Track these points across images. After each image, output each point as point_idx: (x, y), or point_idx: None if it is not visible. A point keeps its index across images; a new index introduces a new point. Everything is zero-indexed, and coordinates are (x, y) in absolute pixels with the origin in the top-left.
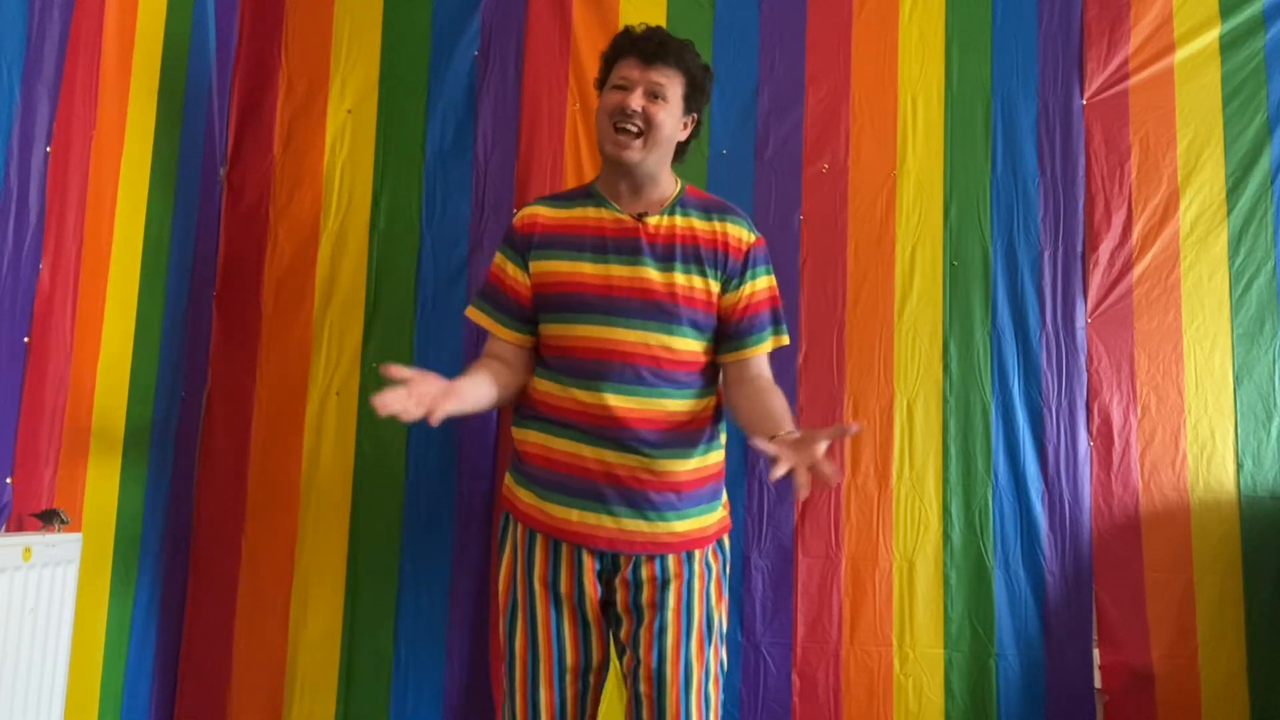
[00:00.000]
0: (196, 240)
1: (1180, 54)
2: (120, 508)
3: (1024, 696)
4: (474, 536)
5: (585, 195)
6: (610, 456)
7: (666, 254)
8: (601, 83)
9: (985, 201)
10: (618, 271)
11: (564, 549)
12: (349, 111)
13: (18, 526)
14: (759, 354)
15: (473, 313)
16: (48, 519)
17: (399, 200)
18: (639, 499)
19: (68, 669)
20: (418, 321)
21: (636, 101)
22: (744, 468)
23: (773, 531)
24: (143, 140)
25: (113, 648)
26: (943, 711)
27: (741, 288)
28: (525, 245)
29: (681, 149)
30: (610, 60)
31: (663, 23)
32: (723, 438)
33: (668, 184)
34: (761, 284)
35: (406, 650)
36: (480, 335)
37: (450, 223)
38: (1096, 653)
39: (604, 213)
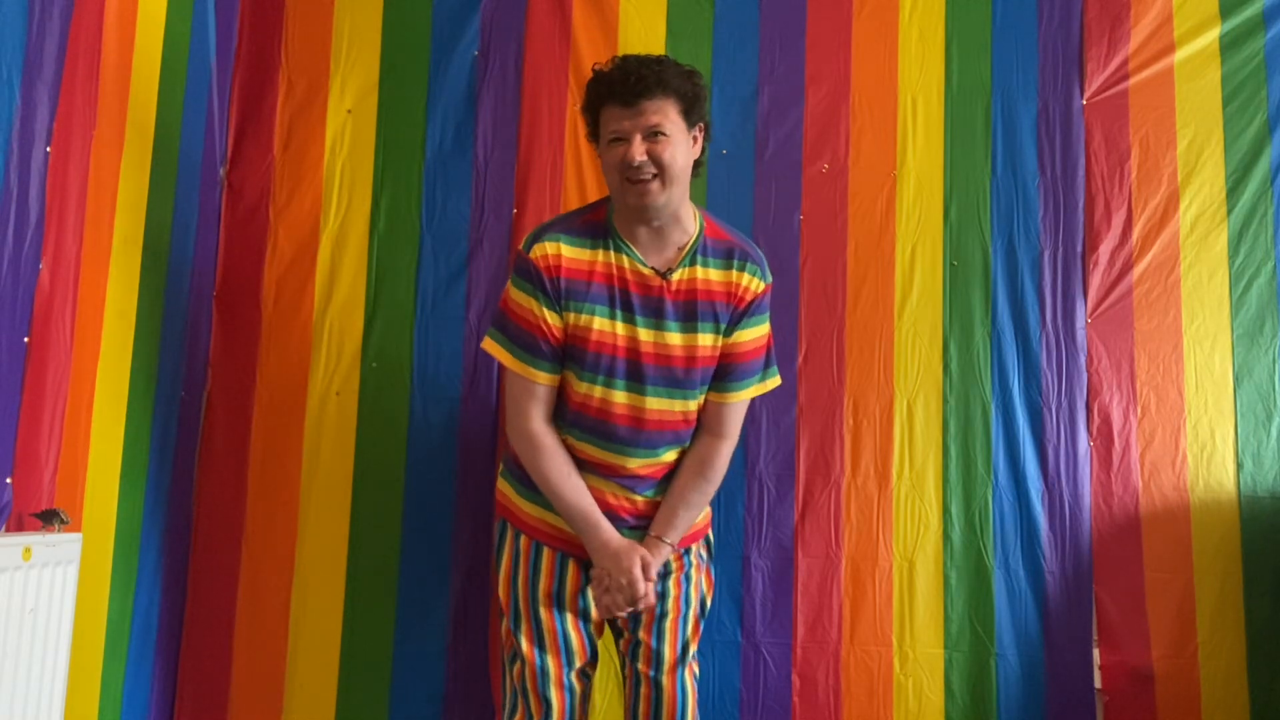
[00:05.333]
0: (196, 240)
1: (1180, 54)
2: (120, 508)
3: (1024, 696)
4: (473, 536)
5: (603, 235)
6: (614, 490)
7: (688, 314)
8: (593, 134)
9: (985, 201)
10: (645, 336)
11: (570, 564)
12: (349, 111)
13: (18, 526)
14: (732, 400)
15: (517, 365)
16: (48, 519)
17: (399, 200)
18: (641, 522)
19: (68, 669)
20: (418, 321)
21: (639, 152)
22: (744, 468)
23: (773, 531)
24: (143, 140)
25: (113, 648)
26: (943, 711)
27: (735, 334)
28: (555, 291)
29: (698, 164)
30: (592, 110)
31: (662, 22)
32: None
33: (688, 221)
34: (751, 334)
35: (406, 650)
36: (481, 341)
37: (450, 223)
38: (1096, 653)
39: (624, 261)
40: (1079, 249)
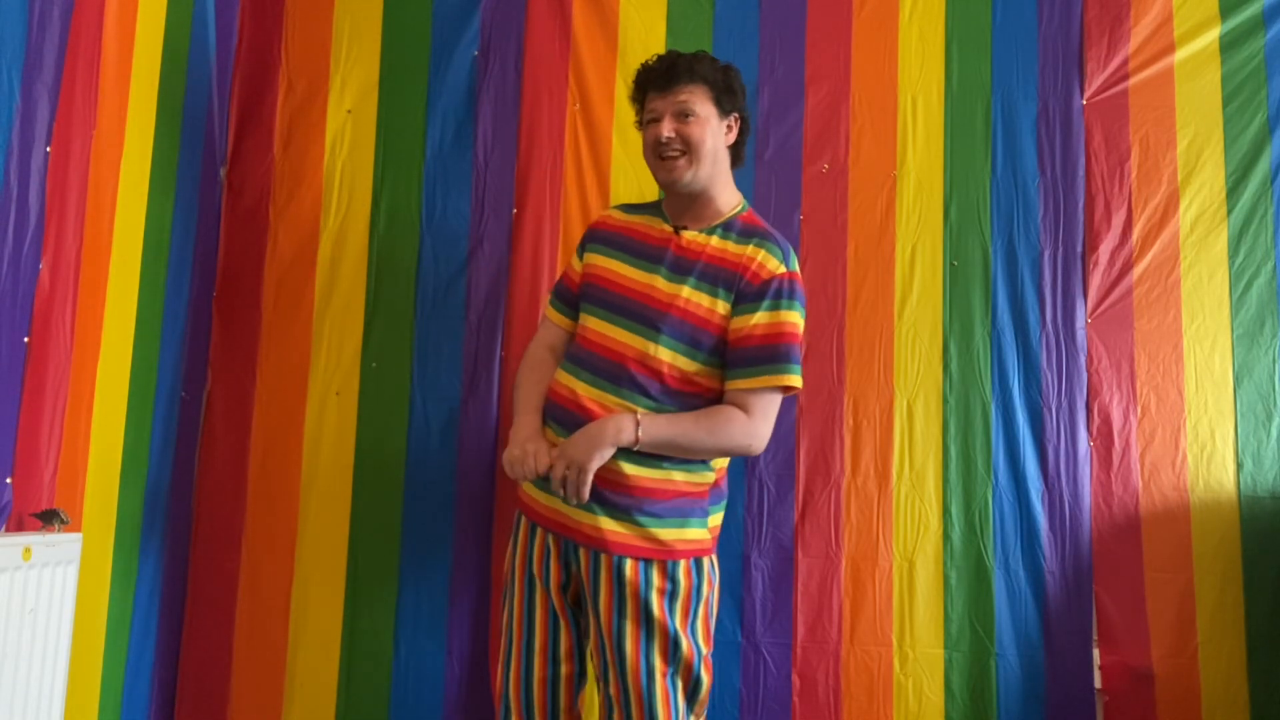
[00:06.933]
0: (196, 240)
1: (1180, 54)
2: (120, 508)
3: (1024, 696)
4: (474, 536)
5: (653, 207)
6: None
7: (685, 268)
8: (640, 122)
9: (985, 201)
10: (636, 275)
11: (538, 531)
12: (349, 111)
13: (18, 526)
14: (743, 387)
15: (546, 307)
16: (48, 519)
17: (399, 200)
18: (595, 494)
19: (68, 669)
20: (418, 321)
21: (668, 129)
22: (744, 467)
23: (773, 531)
24: (143, 140)
25: (113, 648)
26: (943, 711)
27: (748, 315)
28: (590, 240)
29: (737, 152)
30: (637, 100)
31: (662, 22)
32: (715, 462)
33: (726, 202)
34: (764, 317)
35: (406, 650)
36: (481, 341)
37: (450, 223)
38: (1096, 653)
39: (654, 222)
40: (1079, 249)
